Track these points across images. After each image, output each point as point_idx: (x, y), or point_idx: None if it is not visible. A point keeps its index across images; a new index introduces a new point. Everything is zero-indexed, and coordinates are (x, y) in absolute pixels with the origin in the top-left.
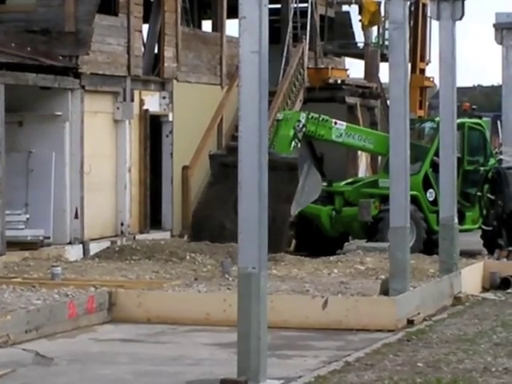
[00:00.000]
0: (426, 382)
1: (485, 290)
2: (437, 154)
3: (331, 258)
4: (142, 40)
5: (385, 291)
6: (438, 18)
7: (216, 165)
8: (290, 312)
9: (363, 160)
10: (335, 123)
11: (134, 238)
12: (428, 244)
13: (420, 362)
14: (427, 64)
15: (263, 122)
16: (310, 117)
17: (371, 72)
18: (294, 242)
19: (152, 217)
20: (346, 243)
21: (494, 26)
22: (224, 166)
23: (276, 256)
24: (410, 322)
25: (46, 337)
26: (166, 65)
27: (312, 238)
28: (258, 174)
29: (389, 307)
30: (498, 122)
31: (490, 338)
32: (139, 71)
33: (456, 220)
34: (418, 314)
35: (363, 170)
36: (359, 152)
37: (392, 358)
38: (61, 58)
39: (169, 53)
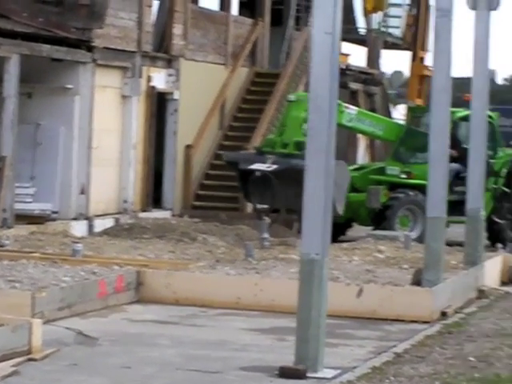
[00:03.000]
0: (484, 377)
1: (503, 283)
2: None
3: (344, 245)
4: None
5: (418, 281)
6: (474, 8)
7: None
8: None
9: (362, 145)
10: (346, 107)
11: (137, 216)
12: None
13: (470, 356)
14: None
15: (333, 104)
16: None
17: (373, 58)
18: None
19: (153, 195)
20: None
21: None
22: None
23: (288, 240)
24: (444, 314)
25: (79, 315)
26: (174, 42)
27: None
28: (325, 157)
29: (425, 298)
30: None
31: None
32: (149, 47)
33: (483, 212)
34: (450, 306)
35: (361, 155)
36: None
37: (440, 351)
38: (74, 30)
39: (177, 30)
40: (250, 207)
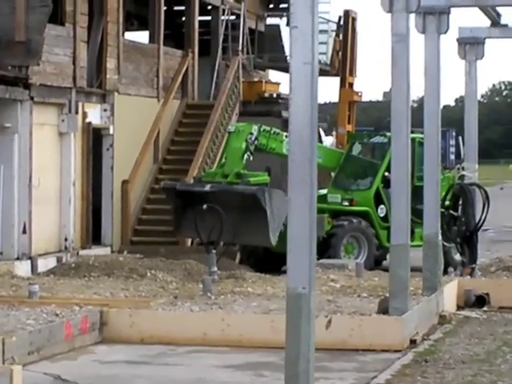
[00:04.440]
0: None
1: (459, 307)
2: (388, 169)
3: None
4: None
5: (384, 310)
6: (424, 32)
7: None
8: None
9: None
10: (286, 136)
11: (78, 253)
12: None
13: None
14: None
15: (314, 136)
16: (261, 130)
17: None
18: (238, 255)
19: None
20: None
21: (458, 40)
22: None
23: (235, 273)
24: (413, 342)
25: (47, 358)
26: (108, 76)
27: (257, 253)
28: (309, 190)
29: (395, 327)
30: (459, 138)
31: (503, 358)
32: (84, 83)
33: (440, 237)
34: (417, 333)
35: None
36: None
37: (423, 381)
38: (10, 68)
39: (111, 64)
40: (189, 241)
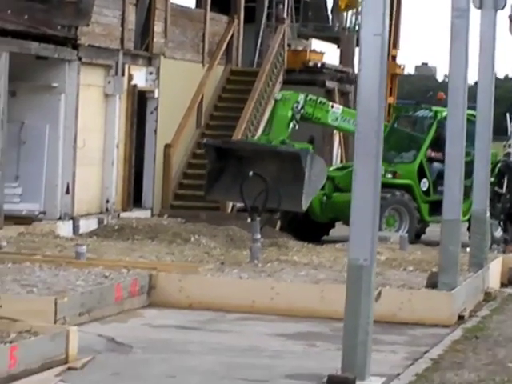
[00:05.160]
0: None
1: (503, 285)
2: (431, 143)
3: (338, 246)
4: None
5: (432, 284)
6: (480, 7)
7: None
8: (342, 303)
9: (336, 142)
10: (332, 106)
11: (118, 215)
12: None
13: (507, 362)
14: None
15: (381, 107)
16: (308, 98)
17: (347, 57)
18: (278, 223)
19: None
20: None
21: (510, 17)
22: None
23: (278, 241)
24: (461, 318)
25: (97, 320)
26: (154, 40)
27: (298, 222)
28: (375, 163)
29: (444, 302)
30: (508, 115)
31: None
32: (131, 45)
33: (488, 214)
34: (465, 309)
35: (336, 152)
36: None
37: (475, 357)
38: (59, 27)
39: (158, 28)
40: (229, 207)
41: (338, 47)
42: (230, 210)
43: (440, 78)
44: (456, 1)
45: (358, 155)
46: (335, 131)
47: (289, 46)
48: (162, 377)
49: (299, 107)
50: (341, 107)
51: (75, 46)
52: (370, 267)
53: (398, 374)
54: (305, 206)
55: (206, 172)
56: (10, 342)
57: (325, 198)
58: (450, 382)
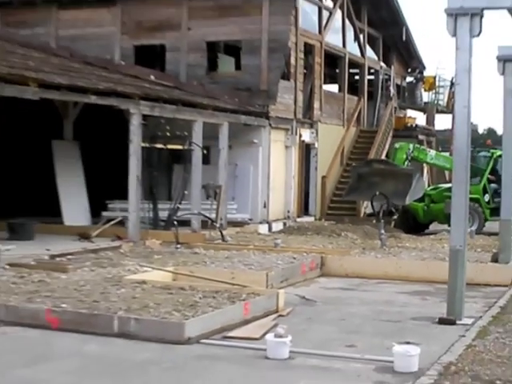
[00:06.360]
0: None
1: None
2: (490, 172)
3: (431, 237)
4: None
5: (495, 260)
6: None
7: (355, 173)
8: (440, 272)
9: (425, 173)
10: (429, 150)
11: (295, 220)
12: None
13: None
14: None
15: (469, 151)
16: (415, 146)
17: (430, 120)
18: (393, 223)
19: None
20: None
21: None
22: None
23: (394, 234)
24: None
25: (291, 285)
26: (314, 112)
27: (408, 222)
28: (465, 184)
29: (504, 271)
30: None
31: None
32: (300, 116)
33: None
34: None
35: (426, 178)
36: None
37: None
38: (257, 106)
39: (316, 104)
40: (361, 214)
41: (424, 114)
42: (362, 214)
43: (480, 131)
44: (508, 82)
45: (456, 180)
46: (425, 165)
47: (394, 113)
48: (336, 320)
49: (410, 152)
50: (433, 151)
51: (267, 117)
52: (463, 250)
53: (481, 317)
54: (407, 201)
55: (349, 184)
56: (243, 300)
57: (425, 207)
58: None
